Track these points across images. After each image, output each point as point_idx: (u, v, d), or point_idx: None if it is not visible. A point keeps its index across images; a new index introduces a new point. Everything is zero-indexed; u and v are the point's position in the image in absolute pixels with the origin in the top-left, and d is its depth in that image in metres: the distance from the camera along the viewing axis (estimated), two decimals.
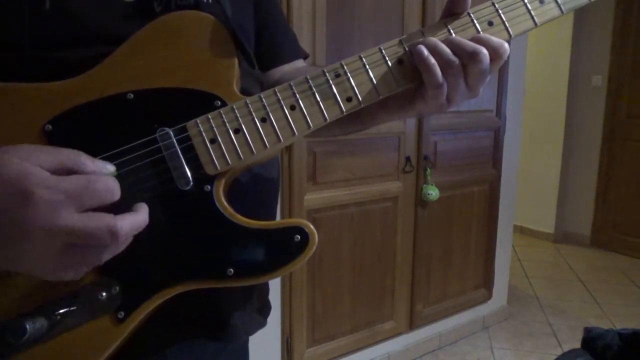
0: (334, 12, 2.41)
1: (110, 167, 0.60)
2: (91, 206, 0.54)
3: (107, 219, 0.54)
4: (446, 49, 0.65)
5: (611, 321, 3.66)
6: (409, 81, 0.69)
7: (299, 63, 0.95)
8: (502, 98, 3.25)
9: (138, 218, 0.58)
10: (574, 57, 5.21)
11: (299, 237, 0.65)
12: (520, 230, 5.67)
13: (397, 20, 2.65)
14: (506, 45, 0.66)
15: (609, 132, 5.15)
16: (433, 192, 2.91)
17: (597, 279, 4.49)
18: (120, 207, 0.57)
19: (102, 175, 0.57)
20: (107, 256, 0.56)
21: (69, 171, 0.55)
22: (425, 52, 0.65)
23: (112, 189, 0.56)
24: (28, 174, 0.51)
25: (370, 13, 2.54)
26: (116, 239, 0.54)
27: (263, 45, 0.88)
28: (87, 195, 0.54)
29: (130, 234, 0.57)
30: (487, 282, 3.47)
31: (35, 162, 0.53)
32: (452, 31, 0.68)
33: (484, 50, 0.64)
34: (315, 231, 0.66)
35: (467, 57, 0.64)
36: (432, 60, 0.65)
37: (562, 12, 0.70)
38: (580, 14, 5.00)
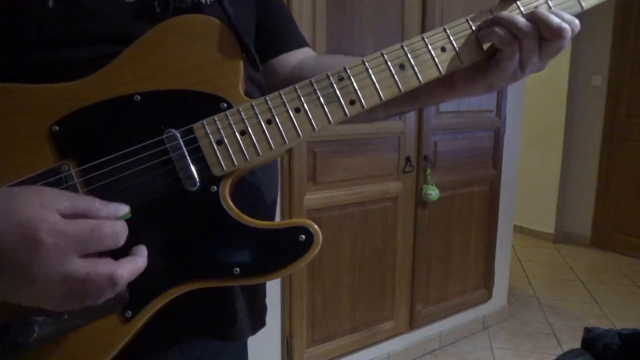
0: (334, 11, 2.42)
1: (124, 208, 0.61)
2: (95, 251, 0.56)
3: (109, 267, 0.56)
4: (517, 18, 0.68)
5: (611, 321, 3.67)
6: (412, 84, 0.70)
7: (310, 52, 0.96)
8: (502, 98, 3.26)
9: (138, 264, 0.60)
10: (574, 57, 5.21)
11: (303, 236, 0.66)
12: (520, 230, 5.67)
13: (397, 20, 2.65)
14: (577, 21, 0.69)
15: (609, 132, 5.15)
16: (433, 192, 2.91)
17: (597, 279, 4.50)
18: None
19: (114, 218, 0.59)
20: (103, 299, 0.58)
21: (82, 216, 0.56)
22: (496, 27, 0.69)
23: (118, 234, 0.58)
24: (41, 220, 0.53)
25: (371, 12, 2.54)
26: (115, 285, 0.56)
27: (269, 32, 0.89)
28: (91, 241, 0.55)
29: (130, 279, 0.59)
30: (487, 282, 3.48)
31: (52, 208, 0.54)
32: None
33: (568, 27, 0.67)
34: (319, 231, 0.67)
35: (552, 32, 0.67)
36: (497, 28, 0.68)
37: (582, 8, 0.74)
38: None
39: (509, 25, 0.68)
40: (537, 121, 5.33)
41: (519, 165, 3.58)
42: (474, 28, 0.71)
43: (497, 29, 0.68)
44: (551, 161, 5.46)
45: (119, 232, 0.58)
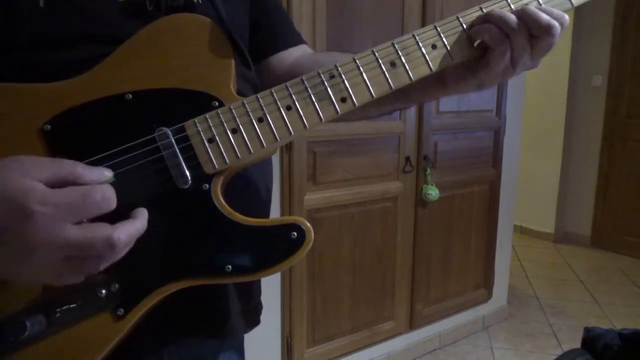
0: (334, 12, 2.42)
1: (108, 173, 0.61)
2: (89, 217, 0.56)
3: (105, 230, 0.56)
4: (508, 15, 0.68)
5: (611, 321, 3.66)
6: (402, 82, 0.71)
7: (307, 49, 0.96)
8: (502, 98, 3.25)
9: (136, 226, 0.60)
10: (574, 57, 5.21)
11: (295, 234, 0.66)
12: (520, 230, 5.67)
13: (397, 20, 2.66)
14: (566, 17, 0.69)
15: (609, 132, 5.15)
16: (433, 192, 2.91)
17: (597, 279, 4.49)
18: (119, 208, 0.59)
19: (100, 182, 0.59)
20: (105, 264, 0.58)
21: (67, 182, 0.56)
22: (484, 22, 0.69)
23: (109, 198, 0.58)
24: (28, 190, 0.53)
25: (371, 12, 2.55)
26: (113, 248, 0.56)
27: (266, 30, 0.90)
28: (84, 207, 0.55)
29: (128, 242, 0.59)
30: (487, 282, 3.47)
31: (35, 177, 0.54)
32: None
33: (557, 25, 0.67)
34: (311, 228, 0.67)
35: (540, 30, 0.67)
36: (488, 25, 0.69)
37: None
38: (580, 13, 5.01)
39: (500, 23, 0.68)
40: (537, 121, 5.33)
41: (519, 165, 3.58)
42: (464, 26, 0.71)
43: (488, 26, 0.68)
44: (551, 161, 5.46)
45: (110, 196, 0.58)
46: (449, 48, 0.71)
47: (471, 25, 0.71)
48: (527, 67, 0.72)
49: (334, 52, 0.91)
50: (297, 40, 0.95)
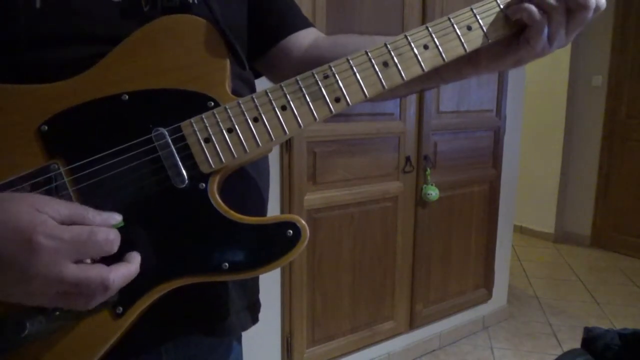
0: (334, 12, 2.43)
1: (117, 217, 0.62)
2: (91, 257, 0.58)
3: (102, 272, 0.57)
4: None
5: (611, 321, 3.66)
6: (395, 82, 0.72)
7: (318, 32, 0.96)
8: (502, 98, 3.26)
9: (131, 270, 0.62)
10: (574, 57, 5.21)
11: (291, 232, 0.67)
12: (520, 230, 5.67)
13: (397, 21, 2.66)
14: None
15: (608, 132, 5.15)
16: (433, 192, 2.92)
17: (597, 279, 4.49)
18: (119, 210, 0.61)
19: (107, 225, 0.60)
20: (95, 303, 0.59)
21: (75, 223, 0.58)
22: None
23: (112, 241, 0.59)
24: (38, 224, 0.54)
25: (371, 13, 2.55)
26: (107, 290, 0.58)
27: (276, 15, 0.91)
28: (87, 247, 0.57)
29: (122, 284, 0.60)
30: (487, 282, 3.48)
31: (48, 213, 0.56)
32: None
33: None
34: (306, 226, 0.68)
35: (578, 3, 0.69)
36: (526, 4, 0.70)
37: None
38: None
39: (539, 0, 0.69)
40: (537, 121, 5.33)
41: (519, 165, 3.58)
42: (455, 25, 0.72)
43: (527, 5, 0.70)
44: (551, 161, 5.46)
45: (113, 239, 0.59)
46: (440, 48, 0.72)
47: (508, 5, 0.72)
48: (561, 44, 0.74)
49: (351, 34, 0.91)
50: (307, 22, 0.96)
